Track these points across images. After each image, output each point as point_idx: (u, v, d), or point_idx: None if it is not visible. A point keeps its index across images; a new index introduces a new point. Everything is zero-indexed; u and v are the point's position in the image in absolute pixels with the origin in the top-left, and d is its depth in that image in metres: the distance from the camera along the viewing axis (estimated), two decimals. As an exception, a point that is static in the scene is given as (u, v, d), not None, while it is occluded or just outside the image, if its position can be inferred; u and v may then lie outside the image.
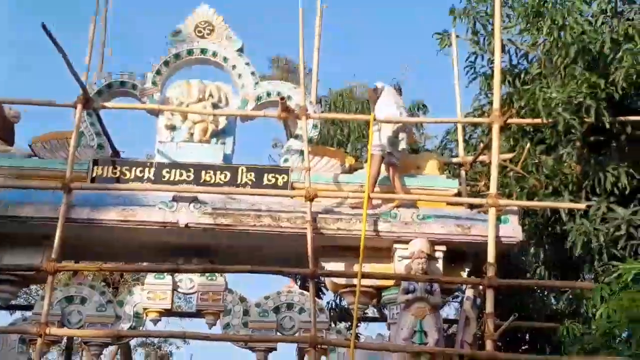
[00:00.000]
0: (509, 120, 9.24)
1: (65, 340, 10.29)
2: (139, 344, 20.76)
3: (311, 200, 8.33)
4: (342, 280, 8.91)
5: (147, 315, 8.76)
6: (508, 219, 8.73)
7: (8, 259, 8.61)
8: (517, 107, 10.21)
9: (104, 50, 10.26)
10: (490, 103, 10.41)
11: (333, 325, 9.65)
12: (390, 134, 8.82)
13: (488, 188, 9.44)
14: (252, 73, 9.56)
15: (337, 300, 12.95)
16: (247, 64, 9.62)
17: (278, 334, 8.81)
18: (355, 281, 8.76)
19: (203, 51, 9.60)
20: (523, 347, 11.05)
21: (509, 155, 10.59)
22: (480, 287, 8.69)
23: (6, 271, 8.59)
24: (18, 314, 11.46)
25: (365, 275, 8.64)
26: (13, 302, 10.44)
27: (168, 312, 9.03)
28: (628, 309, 7.80)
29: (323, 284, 11.51)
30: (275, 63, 21.78)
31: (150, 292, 8.77)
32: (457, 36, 11.08)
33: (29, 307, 11.48)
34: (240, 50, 9.61)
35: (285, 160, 9.29)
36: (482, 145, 10.64)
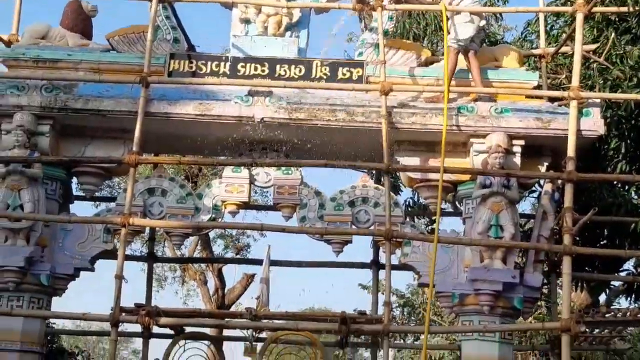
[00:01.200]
0: (594, 9, 8.97)
1: (147, 230, 10.63)
2: (217, 236, 21.29)
3: (386, 94, 8.27)
4: (417, 175, 8.95)
5: (225, 208, 8.98)
6: (590, 112, 8.58)
7: (90, 151, 8.89)
8: None
9: None
10: None
11: (408, 219, 9.76)
12: (468, 23, 8.66)
13: (569, 81, 9.28)
14: None
15: (415, 197, 13.00)
16: None
17: (353, 227, 8.94)
18: (430, 176, 8.81)
19: None
20: (601, 242, 11.03)
21: (593, 46, 10.33)
22: (559, 181, 8.64)
23: (89, 163, 8.88)
24: (102, 206, 11.81)
25: (439, 170, 8.66)
26: (97, 194, 10.85)
27: (246, 205, 9.22)
28: None
29: (399, 180, 11.58)
30: None
31: (228, 185, 8.95)
32: None
33: (112, 199, 11.88)
34: None
35: (360, 54, 9.17)
36: (564, 36, 10.36)
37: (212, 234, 19.97)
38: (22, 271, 8.37)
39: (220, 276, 20.01)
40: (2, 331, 8.39)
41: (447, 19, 8.57)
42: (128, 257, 9.43)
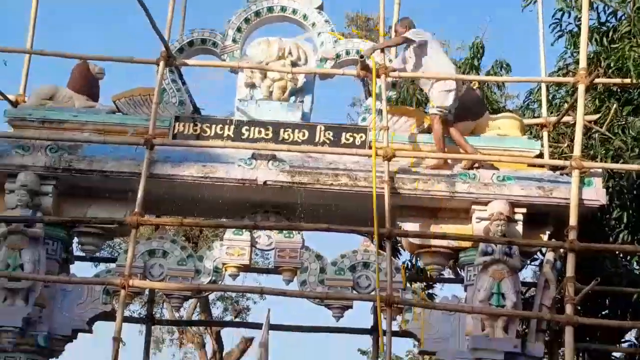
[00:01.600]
0: (596, 80, 9.11)
1: (147, 292, 10.57)
2: (217, 298, 21.21)
3: (389, 159, 8.30)
4: (418, 241, 8.88)
5: (226, 270, 8.89)
6: (592, 182, 8.54)
7: (92, 212, 8.82)
8: (605, 66, 10.01)
9: (185, 7, 10.38)
10: (576, 62, 10.22)
11: (408, 285, 9.67)
12: (451, 91, 8.86)
13: (571, 150, 9.30)
14: (332, 30, 9.52)
15: (413, 261, 12.94)
16: (327, 21, 9.58)
17: (354, 292, 8.85)
18: (432, 242, 8.75)
19: (283, 9, 9.58)
20: (603, 312, 10.91)
21: (595, 117, 10.45)
22: (561, 250, 8.57)
23: (91, 224, 8.82)
24: (102, 266, 11.78)
25: (442, 237, 8.61)
26: (97, 255, 10.79)
27: (246, 268, 9.13)
28: None
29: (400, 244, 11.50)
30: (354, 22, 21.64)
31: (229, 248, 8.88)
32: (544, -8, 10.84)
33: (112, 260, 11.82)
34: (320, 7, 9.56)
35: (363, 119, 9.24)
36: (566, 105, 10.44)
37: (211, 296, 19.79)
38: (20, 332, 8.22)
39: (218, 339, 19.88)
40: (-2, 393, 8.17)
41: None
42: (127, 319, 9.38)
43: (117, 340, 7.89)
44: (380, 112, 8.89)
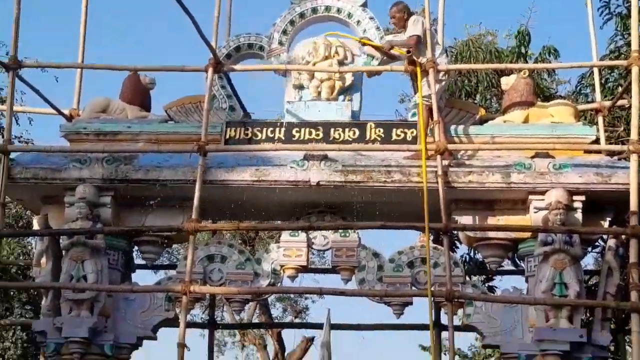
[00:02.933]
0: None
1: (208, 297, 10.67)
2: (276, 299, 21.36)
3: (442, 154, 8.23)
4: (475, 234, 8.83)
5: (284, 272, 8.95)
6: (651, 165, 8.33)
7: (150, 220, 8.94)
8: None
9: (230, 13, 10.46)
10: (628, 44, 10.00)
11: (468, 278, 9.60)
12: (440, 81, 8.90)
13: (628, 134, 9.10)
14: (377, 28, 9.45)
15: (472, 254, 12.86)
16: (372, 18, 9.55)
17: (413, 288, 8.84)
18: (490, 234, 8.68)
19: (327, 8, 9.60)
20: (670, 298, 10.69)
21: None
22: (623, 236, 8.42)
23: (150, 232, 8.95)
24: (162, 273, 11.94)
25: (500, 228, 8.56)
26: (157, 262, 10.94)
27: (304, 269, 9.18)
28: None
29: (456, 238, 11.45)
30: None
31: (286, 250, 8.94)
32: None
33: (172, 266, 11.99)
34: (364, 5, 9.56)
35: (414, 115, 9.17)
36: (620, 88, 10.26)
37: (271, 298, 19.98)
38: (87, 342, 8.40)
39: (279, 340, 20.06)
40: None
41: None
42: (189, 324, 9.44)
43: (182, 346, 7.97)
44: (429, 106, 8.82)
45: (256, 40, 9.64)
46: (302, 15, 9.58)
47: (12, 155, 8.92)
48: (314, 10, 9.59)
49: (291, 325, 20.47)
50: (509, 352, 8.45)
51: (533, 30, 14.12)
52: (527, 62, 13.58)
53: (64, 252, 8.67)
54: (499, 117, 9.38)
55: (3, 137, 10.49)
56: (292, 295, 21.45)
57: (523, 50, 13.99)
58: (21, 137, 16.65)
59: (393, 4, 9.49)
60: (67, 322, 8.36)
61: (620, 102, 9.95)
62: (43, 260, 9.06)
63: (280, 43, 9.52)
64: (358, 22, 9.48)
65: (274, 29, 9.67)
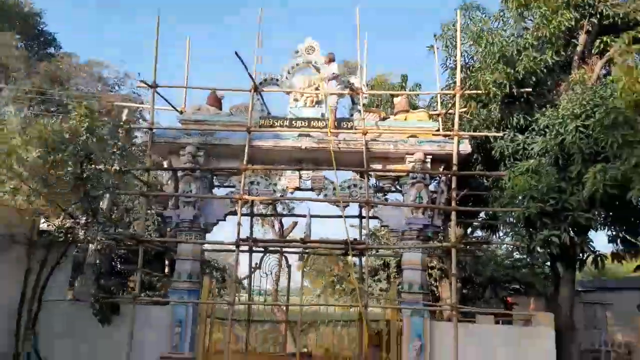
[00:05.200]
0: (464, 91, 9.93)
1: (250, 202, 10.48)
2: (280, 203, 19.15)
3: (364, 134, 9.37)
4: (380, 172, 9.77)
5: (287, 190, 9.92)
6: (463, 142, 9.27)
7: (223, 164, 9.81)
8: (469, 84, 10.57)
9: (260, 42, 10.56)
10: (454, 82, 10.24)
11: (376, 194, 10.20)
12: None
13: (453, 126, 9.69)
14: (333, 73, 10.37)
15: (377, 183, 10.81)
16: (334, 73, 10.34)
17: (350, 197, 9.73)
18: (388, 172, 9.71)
19: (308, 62, 10.57)
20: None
21: (464, 109, 10.90)
22: (446, 177, 9.40)
23: (222, 170, 9.82)
24: (228, 190, 11.55)
25: (392, 170, 9.64)
26: (226, 184, 10.75)
27: (296, 189, 10.02)
28: None
29: (371, 175, 10.37)
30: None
31: (288, 179, 9.87)
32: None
33: (232, 187, 10.74)
34: (331, 60, 10.36)
35: (351, 114, 10.23)
36: (450, 103, 10.67)
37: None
38: (192, 220, 9.50)
39: (281, 223, 20.21)
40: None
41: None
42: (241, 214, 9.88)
43: (239, 224, 9.12)
44: (359, 111, 9.77)
45: (274, 77, 10.54)
46: (297, 64, 10.54)
47: (155, 131, 10.09)
48: (303, 62, 10.51)
49: (287, 215, 20.18)
50: (394, 228, 9.83)
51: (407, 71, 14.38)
52: (405, 89, 14.05)
53: (179, 177, 9.89)
54: (392, 117, 10.48)
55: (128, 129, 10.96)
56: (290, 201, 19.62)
57: (404, 84, 14.58)
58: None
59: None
60: (182, 211, 9.69)
61: (450, 110, 10.56)
62: (169, 183, 10.23)
63: (286, 77, 10.52)
64: (325, 68, 10.35)
65: (283, 69, 10.45)
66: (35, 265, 9.38)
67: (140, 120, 19.55)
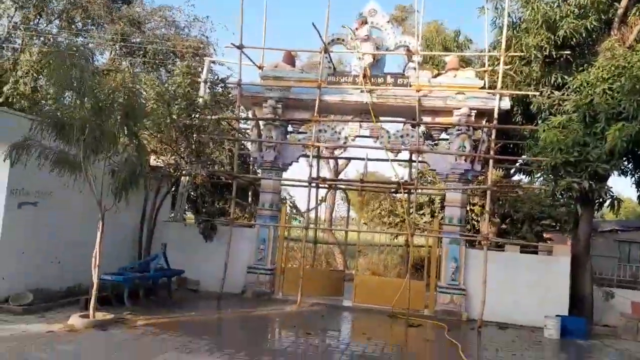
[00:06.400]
0: (509, 54, 10.51)
1: (320, 148, 12.05)
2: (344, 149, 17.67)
3: (418, 91, 10.47)
4: (431, 123, 10.83)
5: (349, 138, 11.11)
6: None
7: (297, 115, 11.13)
8: (514, 45, 10.89)
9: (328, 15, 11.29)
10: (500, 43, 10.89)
11: (426, 140, 11.53)
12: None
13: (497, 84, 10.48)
14: (365, 35, 11.13)
15: (426, 132, 12.22)
16: (392, 26, 11.56)
17: (402, 146, 10.95)
18: (437, 123, 10.75)
19: (370, 24, 11.48)
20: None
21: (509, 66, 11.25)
22: (487, 129, 10.33)
23: (295, 120, 11.20)
24: (302, 136, 12.33)
25: (441, 123, 10.72)
26: (300, 130, 12.43)
27: (358, 136, 11.29)
28: None
29: (422, 124, 11.31)
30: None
31: (351, 127, 11.13)
32: None
33: (304, 132, 12.47)
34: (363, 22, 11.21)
35: (408, 70, 11.26)
36: (496, 63, 11.11)
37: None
38: (273, 161, 11.00)
39: (336, 162, 20.96)
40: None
41: None
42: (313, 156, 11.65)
43: (310, 165, 10.76)
44: (414, 68, 10.82)
45: (340, 36, 11.64)
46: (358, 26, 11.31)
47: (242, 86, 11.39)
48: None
49: (347, 158, 19.74)
50: (440, 172, 10.97)
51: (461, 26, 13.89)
52: (457, 42, 14.47)
53: (261, 127, 11.42)
54: (443, 74, 11.17)
55: (224, 85, 11.73)
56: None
57: (457, 38, 14.92)
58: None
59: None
60: (265, 153, 11.13)
61: (496, 67, 11.01)
62: (254, 130, 11.71)
63: (350, 38, 11.48)
64: (385, 28, 11.40)
65: (347, 31, 11.47)
66: (150, 194, 11.43)
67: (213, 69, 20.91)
